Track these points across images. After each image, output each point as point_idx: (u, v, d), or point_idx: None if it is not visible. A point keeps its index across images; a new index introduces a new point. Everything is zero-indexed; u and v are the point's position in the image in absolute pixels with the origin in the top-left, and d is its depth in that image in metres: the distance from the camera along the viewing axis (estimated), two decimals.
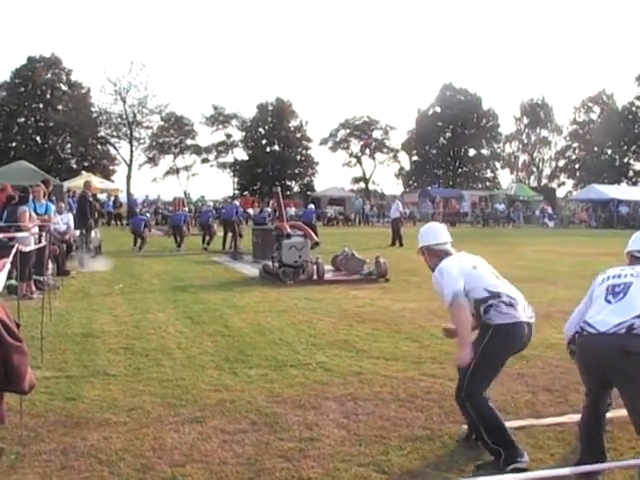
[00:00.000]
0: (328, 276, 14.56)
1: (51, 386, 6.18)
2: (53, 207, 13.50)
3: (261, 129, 75.79)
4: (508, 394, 6.04)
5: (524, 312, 4.86)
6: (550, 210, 50.62)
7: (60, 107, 64.91)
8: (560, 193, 70.79)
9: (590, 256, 20.03)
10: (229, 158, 77.08)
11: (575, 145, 75.65)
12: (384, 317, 9.91)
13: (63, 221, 16.73)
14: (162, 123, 68.65)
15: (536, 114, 75.81)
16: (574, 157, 75.85)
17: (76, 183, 39.44)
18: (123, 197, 48.42)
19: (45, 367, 6.77)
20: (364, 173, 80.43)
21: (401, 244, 23.82)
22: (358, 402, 5.83)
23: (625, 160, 71.35)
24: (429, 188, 60.81)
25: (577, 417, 5.36)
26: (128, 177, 62.97)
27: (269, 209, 30.77)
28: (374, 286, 13.44)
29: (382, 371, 6.82)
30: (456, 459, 4.63)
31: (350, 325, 9.29)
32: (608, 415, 4.69)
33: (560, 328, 9.06)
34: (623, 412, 4.64)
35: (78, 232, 17.42)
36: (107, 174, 62.58)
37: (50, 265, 12.67)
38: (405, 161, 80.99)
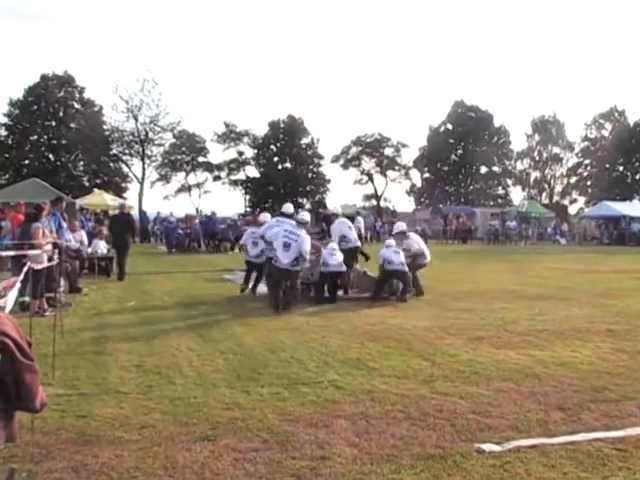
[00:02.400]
0: (340, 293, 14.55)
1: (63, 403, 6.19)
2: (51, 224, 13.33)
3: (273, 146, 75.94)
4: (520, 412, 6.01)
5: None
6: (566, 227, 50.46)
7: (73, 125, 65.23)
8: (572, 210, 70.69)
9: (602, 273, 19.96)
10: (241, 175, 77.27)
11: (587, 162, 75.36)
12: (396, 335, 9.89)
13: (76, 239, 16.81)
14: (174, 140, 68.84)
15: (547, 131, 75.69)
16: (586, 174, 75.55)
17: (89, 201, 39.67)
18: (135, 214, 48.62)
19: (57, 384, 6.79)
20: (376, 190, 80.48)
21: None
22: (370, 420, 5.81)
23: (637, 177, 70.94)
24: (440, 205, 60.76)
25: (591, 436, 5.35)
26: (140, 194, 63.08)
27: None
28: (386, 304, 13.41)
29: (394, 389, 6.79)
30: (468, 478, 4.61)
31: (362, 343, 9.27)
32: (621, 434, 4.65)
33: (573, 346, 9.08)
34: (638, 430, 4.62)
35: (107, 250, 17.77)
36: (119, 191, 62.71)
37: (62, 282, 12.71)
38: (417, 178, 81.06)
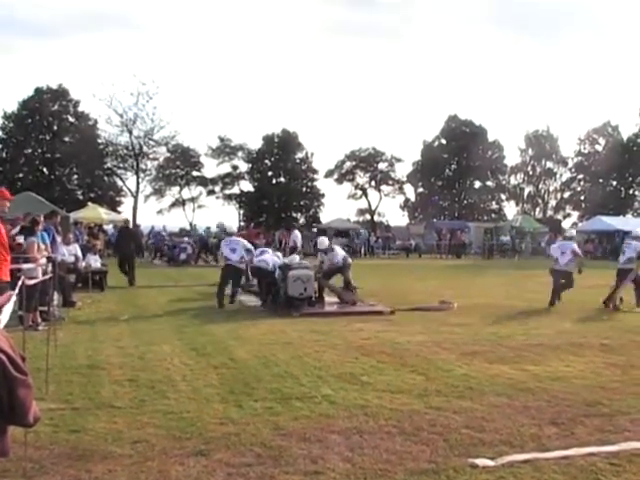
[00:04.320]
0: (333, 308, 14.63)
1: (56, 418, 6.17)
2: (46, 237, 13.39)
3: (267, 161, 75.98)
4: (513, 427, 6.01)
5: None
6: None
7: (67, 138, 65.09)
8: (566, 224, 70.80)
9: (596, 287, 19.97)
10: (235, 190, 77.27)
11: (580, 177, 75.55)
12: (389, 350, 9.89)
13: (70, 252, 16.79)
14: (168, 155, 68.80)
15: (541, 146, 75.93)
16: (579, 189, 75.75)
17: (83, 214, 39.63)
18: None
19: (50, 399, 6.76)
20: (370, 205, 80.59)
21: None
22: (363, 435, 5.81)
23: (630, 192, 71.24)
24: (434, 220, 60.87)
25: (584, 450, 5.36)
26: (134, 208, 62.78)
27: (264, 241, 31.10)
28: (379, 318, 13.42)
29: (387, 404, 6.79)
30: None
31: (355, 358, 9.27)
32: (614, 448, 4.66)
33: (567, 361, 9.10)
34: (631, 445, 4.63)
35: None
36: (113, 205, 62.66)
37: (56, 296, 12.69)
38: (410, 193, 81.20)
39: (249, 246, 16.78)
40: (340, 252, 16.40)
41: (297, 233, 30.80)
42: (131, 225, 46.46)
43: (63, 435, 5.73)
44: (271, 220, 69.33)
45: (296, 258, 15.99)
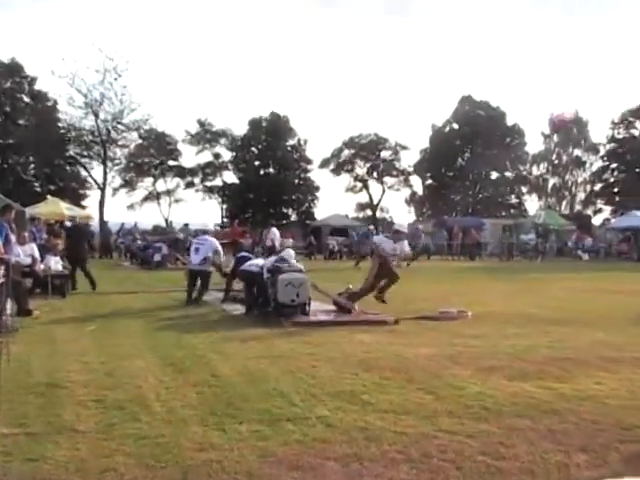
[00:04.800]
0: (329, 317, 14.63)
1: (8, 445, 6.14)
2: None
3: (254, 148, 76.15)
4: (537, 453, 6.01)
5: None
6: (590, 241, 50.56)
7: (22, 121, 65.02)
8: (596, 221, 70.94)
9: (631, 294, 20.06)
10: (217, 182, 77.45)
11: (613, 166, 75.72)
12: (394, 364, 9.88)
13: (26, 253, 16.76)
14: (140, 141, 68.74)
15: (568, 131, 76.13)
16: (612, 180, 75.89)
17: (41, 209, 39.51)
18: (95, 226, 48.47)
19: (1, 422, 6.74)
20: (371, 199, 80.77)
21: None
22: (364, 463, 5.80)
23: None
24: (445, 216, 60.94)
25: None
26: (101, 203, 62.56)
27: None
28: (382, 329, 13.42)
29: (391, 427, 6.78)
30: None
31: (355, 373, 9.26)
32: None
33: (598, 378, 9.09)
34: None
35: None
36: (77, 199, 62.48)
37: (9, 304, 12.65)
38: (418, 185, 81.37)
39: (218, 247, 18.14)
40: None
41: (275, 231, 31.76)
42: (97, 222, 46.59)
43: (17, 465, 5.70)
44: (258, 216, 69.49)
45: (291, 255, 15.95)
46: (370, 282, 15.92)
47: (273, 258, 16.15)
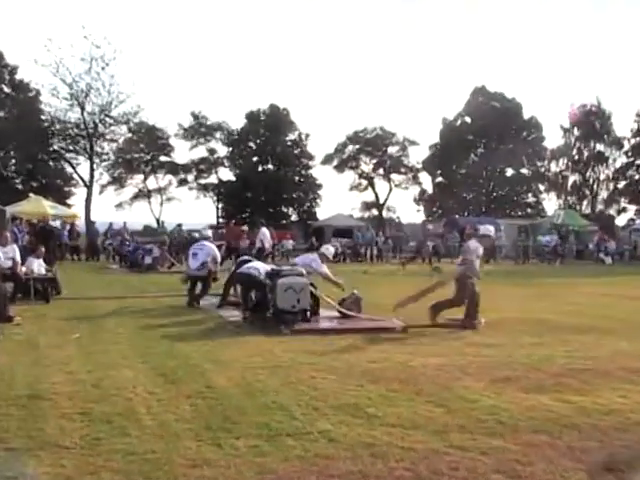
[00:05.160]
0: (332, 324, 14.63)
1: None
2: None
3: (251, 143, 76.25)
4: (556, 472, 6.01)
5: None
6: (613, 245, 50.39)
7: (1, 114, 64.95)
8: (620, 221, 70.83)
9: None
10: (212, 179, 77.50)
11: (639, 162, 75.59)
12: (401, 375, 9.89)
13: (7, 255, 16.76)
14: (130, 135, 68.57)
15: (590, 124, 76.00)
16: (638, 177, 75.74)
17: (23, 208, 39.58)
18: (82, 226, 48.48)
19: None
20: (377, 197, 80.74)
21: None
22: None
23: None
24: (456, 216, 60.93)
25: None
26: (87, 201, 62.31)
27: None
28: (389, 336, 13.43)
29: (399, 442, 6.78)
30: None
31: (360, 385, 9.26)
32: None
33: (622, 390, 9.08)
34: None
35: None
36: (61, 197, 62.50)
37: None
38: (427, 183, 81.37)
39: (216, 254, 19.05)
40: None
41: (265, 231, 31.51)
42: (83, 221, 46.62)
43: None
44: (256, 216, 69.38)
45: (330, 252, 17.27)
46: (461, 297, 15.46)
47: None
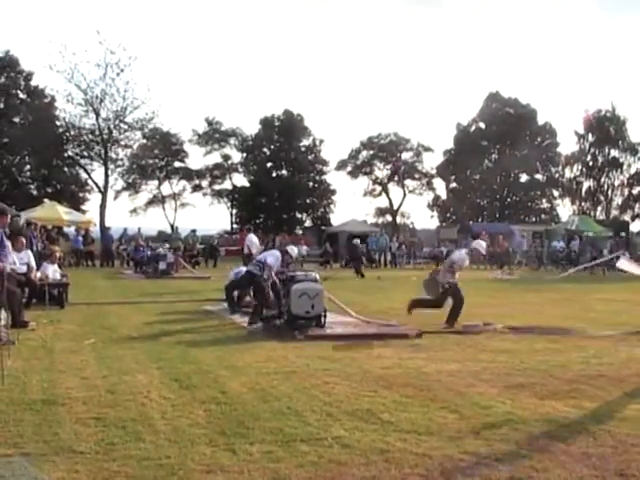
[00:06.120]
0: (346, 330, 14.60)
1: (2, 467, 6.15)
2: None
3: (265, 149, 76.31)
4: (571, 479, 5.98)
5: None
6: (626, 256, 49.92)
7: (17, 119, 65.12)
8: (635, 227, 70.52)
9: None
10: (226, 185, 77.63)
11: None
12: (415, 381, 9.87)
13: (22, 261, 16.80)
14: (144, 141, 68.64)
15: (604, 130, 75.76)
16: None
17: (37, 214, 39.65)
18: (96, 231, 48.58)
19: None
20: (391, 203, 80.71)
21: None
22: None
23: None
24: (470, 222, 60.83)
25: None
26: (102, 207, 62.32)
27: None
28: (403, 343, 13.39)
29: (413, 448, 6.76)
30: None
31: (374, 391, 9.25)
32: None
33: (638, 397, 9.04)
34: None
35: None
36: (76, 203, 62.65)
37: (3, 314, 12.69)
38: (441, 189, 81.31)
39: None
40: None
41: (252, 237, 30.90)
42: (98, 227, 46.75)
43: None
44: (270, 222, 69.54)
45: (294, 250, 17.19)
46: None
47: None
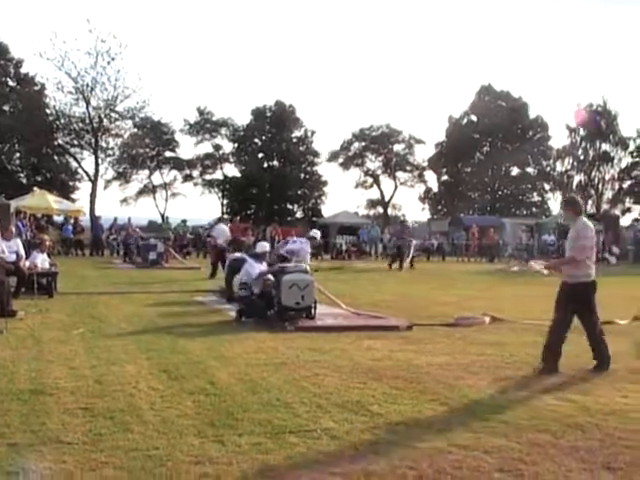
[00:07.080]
0: (336, 322, 14.60)
1: None
2: None
3: (257, 140, 76.22)
4: (559, 471, 5.99)
5: None
6: (615, 250, 50.04)
7: (6, 107, 64.78)
8: (625, 221, 70.59)
9: None
10: (217, 175, 77.51)
11: None
12: (405, 373, 9.88)
13: (11, 249, 16.75)
14: (135, 130, 68.38)
15: (595, 124, 75.84)
16: None
17: (27, 202, 39.51)
18: (86, 220, 48.49)
19: None
20: (382, 195, 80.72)
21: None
22: (372, 479, 5.79)
23: None
24: (461, 215, 60.87)
25: None
26: (92, 196, 61.99)
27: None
28: (393, 335, 13.40)
29: (402, 440, 6.77)
30: None
31: (363, 383, 9.26)
32: None
33: (625, 391, 9.07)
34: None
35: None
36: (66, 192, 62.42)
37: None
38: (433, 181, 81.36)
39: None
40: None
41: (219, 227, 28.73)
42: (88, 216, 46.63)
43: None
44: (261, 212, 69.49)
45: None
46: None
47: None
